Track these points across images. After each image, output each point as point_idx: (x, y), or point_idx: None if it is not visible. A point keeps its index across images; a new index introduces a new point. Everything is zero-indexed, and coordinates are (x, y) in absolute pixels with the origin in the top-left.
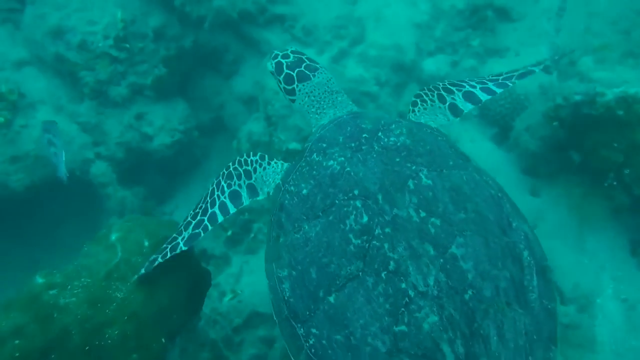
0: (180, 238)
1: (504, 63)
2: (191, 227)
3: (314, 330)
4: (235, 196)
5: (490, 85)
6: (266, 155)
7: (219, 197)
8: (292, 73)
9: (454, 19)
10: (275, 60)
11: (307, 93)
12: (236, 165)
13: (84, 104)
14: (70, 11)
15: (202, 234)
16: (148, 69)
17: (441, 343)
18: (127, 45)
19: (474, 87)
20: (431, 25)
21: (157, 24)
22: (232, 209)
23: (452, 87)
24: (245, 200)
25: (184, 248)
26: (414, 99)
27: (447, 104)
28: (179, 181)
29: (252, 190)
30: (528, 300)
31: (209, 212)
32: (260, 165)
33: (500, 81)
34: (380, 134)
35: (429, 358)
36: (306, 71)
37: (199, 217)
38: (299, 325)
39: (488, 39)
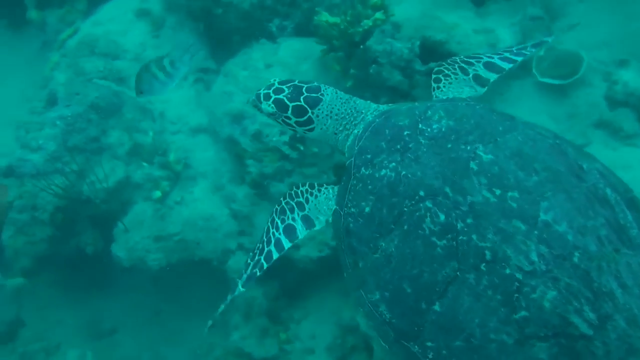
0: (240, 282)
1: None
2: (249, 268)
3: (429, 344)
4: (289, 230)
5: (508, 54)
6: (315, 183)
7: (274, 235)
8: (299, 103)
9: None
10: (272, 99)
11: (327, 115)
12: (287, 199)
13: (242, 190)
14: None
15: (259, 274)
16: (316, 174)
17: (569, 316)
18: (301, 147)
19: (492, 57)
20: None
21: None
22: (287, 244)
23: (470, 60)
24: (301, 234)
25: (242, 290)
26: (435, 75)
27: (471, 75)
28: (316, 285)
29: (308, 221)
30: (632, 238)
31: (265, 251)
32: (312, 194)
33: (515, 51)
34: (420, 125)
35: (562, 335)
36: (312, 94)
37: (256, 257)
38: (412, 343)
39: None
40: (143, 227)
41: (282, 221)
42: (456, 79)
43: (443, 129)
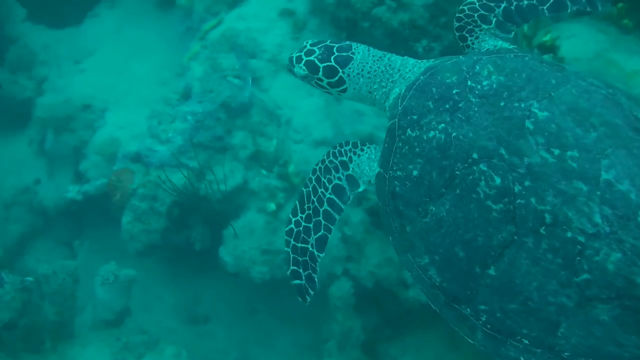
0: (309, 245)
1: None
2: (312, 231)
3: (482, 307)
4: (339, 191)
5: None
6: (358, 142)
7: (323, 194)
8: (330, 63)
9: None
10: (303, 61)
11: (358, 74)
12: (331, 157)
13: (357, 214)
14: None
15: (329, 235)
16: None
17: (635, 278)
18: None
19: (515, 1)
20: None
21: None
22: (342, 206)
23: (490, 3)
24: (351, 194)
25: (321, 255)
26: (457, 33)
27: (493, 23)
28: (420, 323)
29: (352, 181)
30: None
31: (322, 211)
32: (355, 153)
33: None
34: (469, 82)
35: (626, 296)
36: (343, 53)
37: (313, 220)
38: (463, 306)
39: None
40: (253, 236)
41: (329, 181)
42: (481, 31)
43: (494, 86)
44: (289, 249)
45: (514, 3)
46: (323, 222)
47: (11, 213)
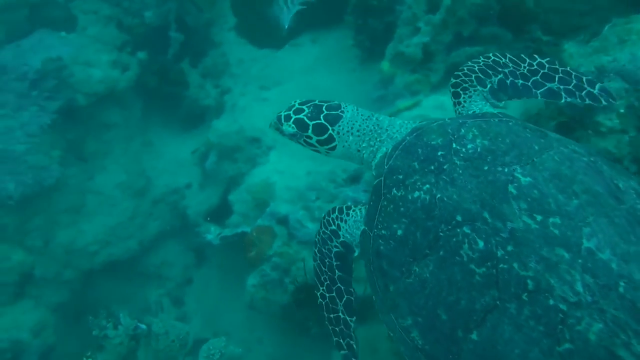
0: (340, 313)
1: None
2: (337, 299)
3: None
4: (341, 257)
5: (534, 81)
6: (344, 207)
7: (330, 262)
8: (319, 121)
9: None
10: (292, 119)
11: (348, 132)
12: (323, 228)
13: None
14: None
15: (352, 298)
16: None
17: (616, 349)
18: None
19: (511, 77)
20: None
21: None
22: (352, 266)
23: (488, 70)
24: (351, 257)
25: (352, 319)
26: (452, 89)
27: (488, 88)
28: None
29: (347, 247)
30: None
31: (336, 277)
32: (342, 219)
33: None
34: (454, 145)
35: None
36: (332, 112)
37: (334, 288)
38: None
39: None
40: (373, 356)
41: (329, 250)
42: (475, 91)
43: (478, 149)
44: (327, 322)
45: (510, 79)
46: (342, 287)
47: (156, 209)
